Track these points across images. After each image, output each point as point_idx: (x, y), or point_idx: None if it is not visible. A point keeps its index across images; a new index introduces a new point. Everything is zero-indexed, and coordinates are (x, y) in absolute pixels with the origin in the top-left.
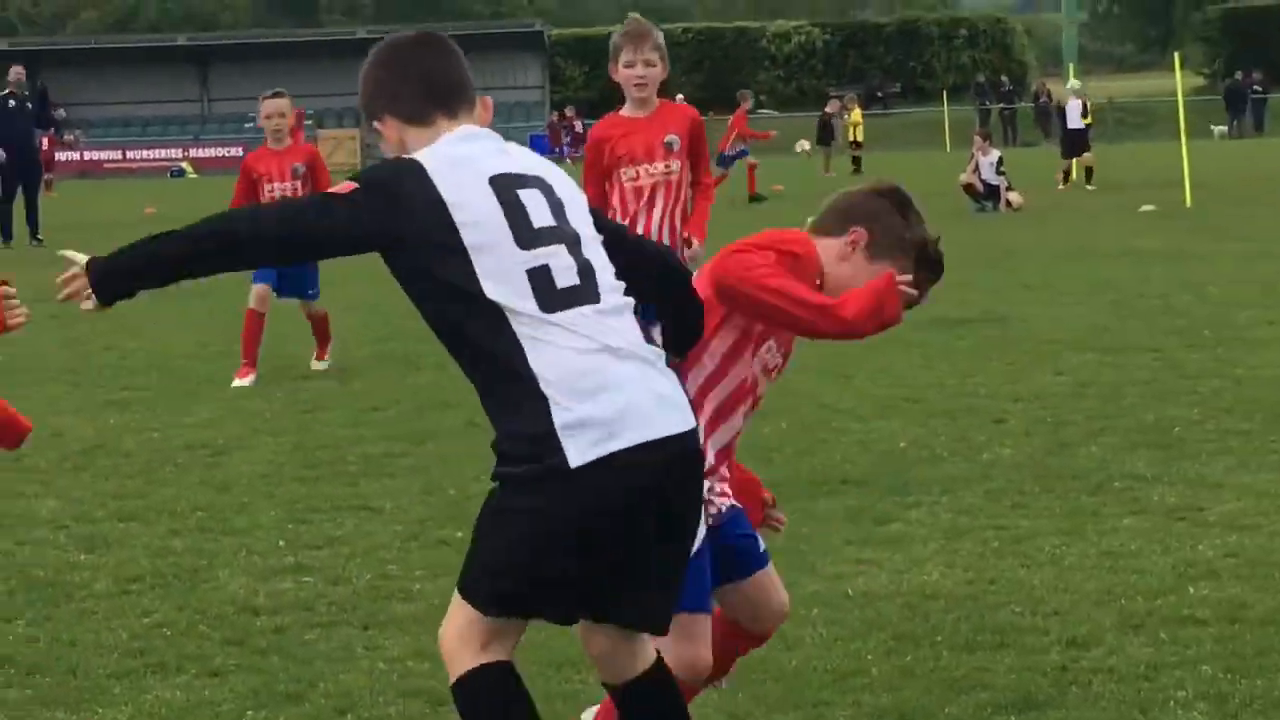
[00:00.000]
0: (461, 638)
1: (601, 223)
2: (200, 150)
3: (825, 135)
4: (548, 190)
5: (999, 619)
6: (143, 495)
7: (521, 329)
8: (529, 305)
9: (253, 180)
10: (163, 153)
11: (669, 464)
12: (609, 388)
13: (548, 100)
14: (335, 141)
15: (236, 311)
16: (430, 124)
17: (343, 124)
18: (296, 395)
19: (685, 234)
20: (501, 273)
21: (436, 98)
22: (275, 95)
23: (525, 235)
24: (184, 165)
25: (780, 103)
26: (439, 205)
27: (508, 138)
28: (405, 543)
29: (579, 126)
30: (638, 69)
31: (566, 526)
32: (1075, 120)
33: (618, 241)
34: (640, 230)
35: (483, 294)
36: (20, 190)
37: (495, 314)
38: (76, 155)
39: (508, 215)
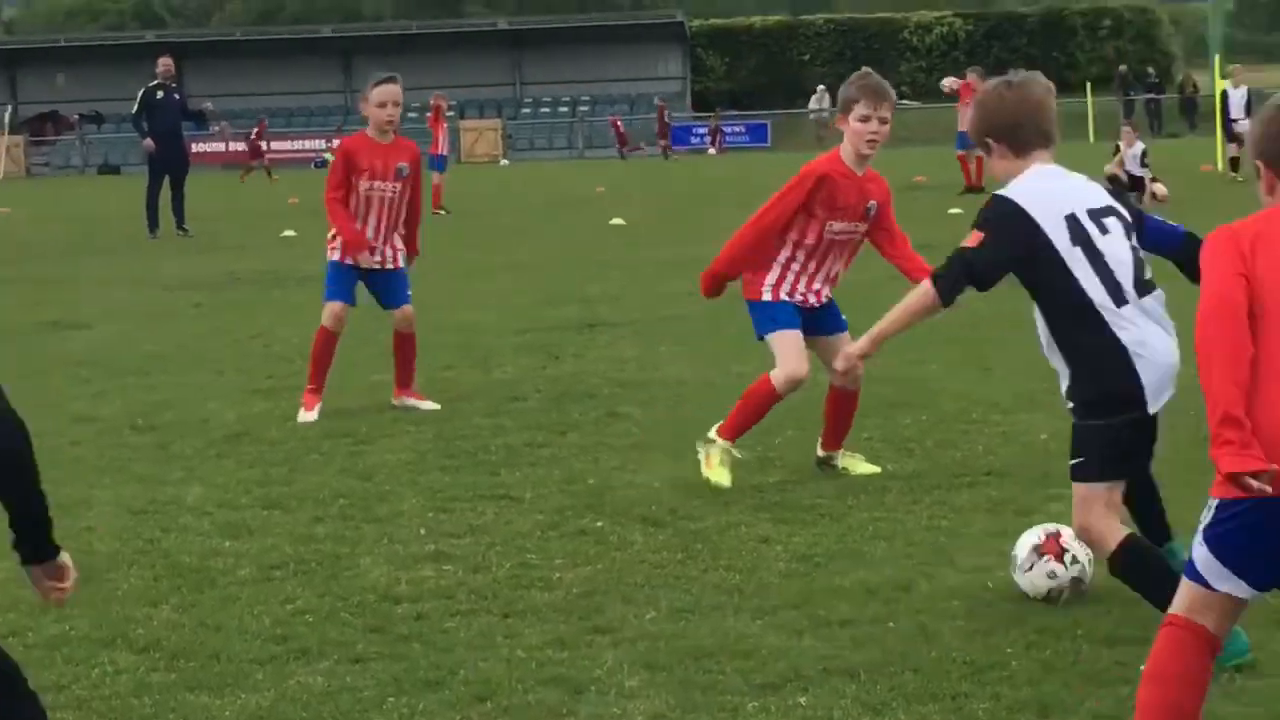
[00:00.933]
0: None
1: None
2: None
3: None
4: None
5: (1142, 612)
6: (286, 483)
7: None
8: None
9: (351, 170)
10: (307, 144)
11: None
12: None
13: (688, 91)
14: (477, 133)
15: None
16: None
17: (484, 115)
18: (437, 386)
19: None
20: None
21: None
22: (389, 80)
23: None
24: (327, 156)
25: (922, 94)
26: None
27: (646, 128)
28: (545, 532)
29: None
30: (872, 124)
31: None
32: (1238, 110)
33: None
34: (820, 280)
35: None
36: (168, 181)
37: None
38: (222, 146)
39: None
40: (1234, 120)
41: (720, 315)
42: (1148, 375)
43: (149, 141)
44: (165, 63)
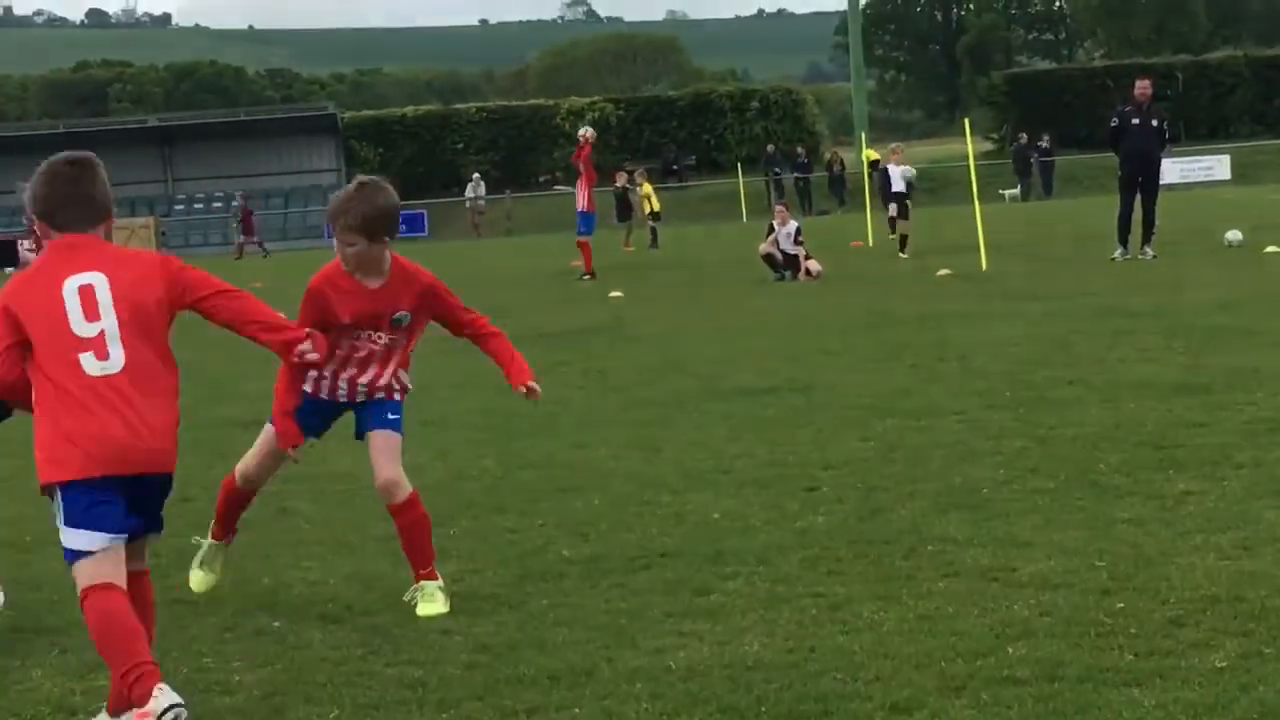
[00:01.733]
0: None
1: None
2: None
3: (623, 211)
4: None
5: (821, 687)
6: None
7: None
8: None
9: None
10: None
11: None
12: None
13: (343, 183)
14: (129, 231)
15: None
16: None
17: (135, 213)
18: None
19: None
20: None
21: None
22: None
23: None
24: None
25: (575, 179)
26: None
27: (305, 221)
28: (221, 634)
29: None
30: (338, 247)
31: None
32: (898, 185)
33: None
34: (358, 376)
35: None
36: None
37: None
38: None
39: None
40: (896, 194)
41: None
42: None
43: None
44: None
